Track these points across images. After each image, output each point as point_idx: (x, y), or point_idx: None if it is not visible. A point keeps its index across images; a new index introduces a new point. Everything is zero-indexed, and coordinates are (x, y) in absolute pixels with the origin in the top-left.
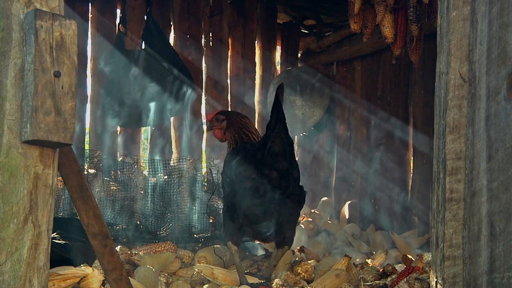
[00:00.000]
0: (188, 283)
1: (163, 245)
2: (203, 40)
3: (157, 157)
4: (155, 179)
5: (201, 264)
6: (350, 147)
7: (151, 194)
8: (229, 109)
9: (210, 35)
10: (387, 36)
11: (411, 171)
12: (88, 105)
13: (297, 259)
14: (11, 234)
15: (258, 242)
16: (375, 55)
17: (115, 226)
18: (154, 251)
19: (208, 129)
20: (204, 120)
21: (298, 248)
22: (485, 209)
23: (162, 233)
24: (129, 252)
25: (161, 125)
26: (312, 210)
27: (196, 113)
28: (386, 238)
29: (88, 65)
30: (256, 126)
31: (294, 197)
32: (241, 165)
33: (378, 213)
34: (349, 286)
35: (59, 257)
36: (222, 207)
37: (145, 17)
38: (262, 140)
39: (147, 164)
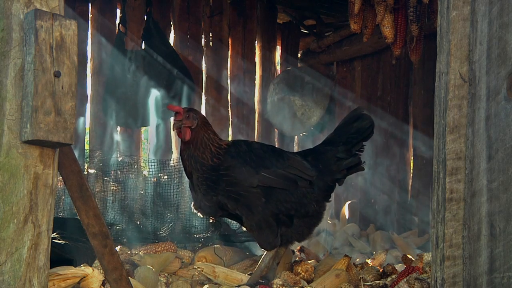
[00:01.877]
0: (188, 283)
1: (163, 245)
2: (203, 40)
3: (157, 157)
4: (155, 179)
5: (202, 262)
6: None
7: (151, 194)
8: (229, 110)
9: (210, 35)
10: (387, 36)
11: (411, 171)
12: (88, 105)
13: (297, 259)
14: (11, 234)
15: None
16: (375, 55)
17: (115, 226)
18: (154, 251)
19: (175, 127)
20: None
21: (298, 248)
22: (485, 209)
23: (162, 233)
24: (129, 252)
25: (161, 125)
26: None
27: None
28: (386, 238)
29: (88, 65)
30: (256, 126)
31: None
32: (294, 167)
33: (378, 213)
34: (349, 286)
35: (59, 257)
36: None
37: (145, 17)
38: (343, 153)
39: (147, 164)
